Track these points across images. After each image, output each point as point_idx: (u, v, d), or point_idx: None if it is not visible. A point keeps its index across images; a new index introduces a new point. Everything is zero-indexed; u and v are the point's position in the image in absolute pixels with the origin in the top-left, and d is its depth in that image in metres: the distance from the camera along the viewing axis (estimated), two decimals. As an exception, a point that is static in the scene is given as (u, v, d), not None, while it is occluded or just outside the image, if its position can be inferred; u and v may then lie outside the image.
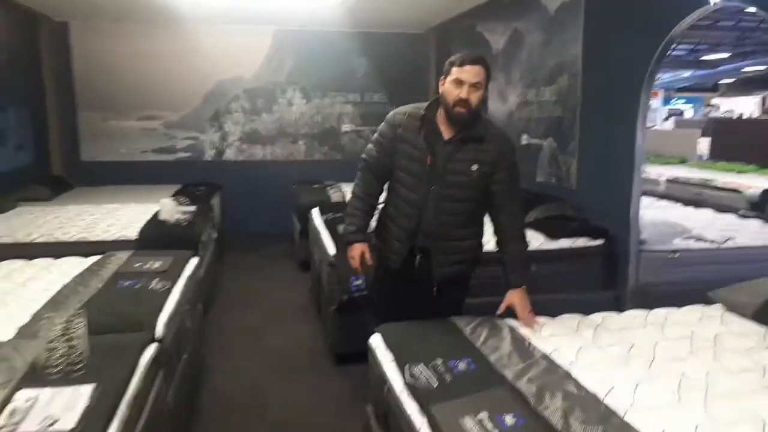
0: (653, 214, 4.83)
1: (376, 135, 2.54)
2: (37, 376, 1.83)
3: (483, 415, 1.57)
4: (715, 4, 3.16)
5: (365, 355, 2.37)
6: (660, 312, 2.52)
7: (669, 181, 7.56)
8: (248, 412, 3.12)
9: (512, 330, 2.23)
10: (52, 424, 1.54)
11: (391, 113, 2.51)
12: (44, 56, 6.70)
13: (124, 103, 7.13)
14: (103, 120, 7.11)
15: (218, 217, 6.31)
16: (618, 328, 2.33)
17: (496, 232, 2.48)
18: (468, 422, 1.55)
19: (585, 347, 2.11)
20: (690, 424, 1.57)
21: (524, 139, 5.29)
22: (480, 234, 2.54)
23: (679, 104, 24.30)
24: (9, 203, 5.09)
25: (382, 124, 2.52)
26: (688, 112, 23.40)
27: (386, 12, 6.43)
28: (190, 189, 6.26)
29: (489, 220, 2.53)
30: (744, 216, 4.99)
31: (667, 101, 24.36)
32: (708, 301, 2.64)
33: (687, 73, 19.05)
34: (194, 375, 3.20)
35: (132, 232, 4.23)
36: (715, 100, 22.01)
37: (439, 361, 1.92)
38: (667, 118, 20.80)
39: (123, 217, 4.75)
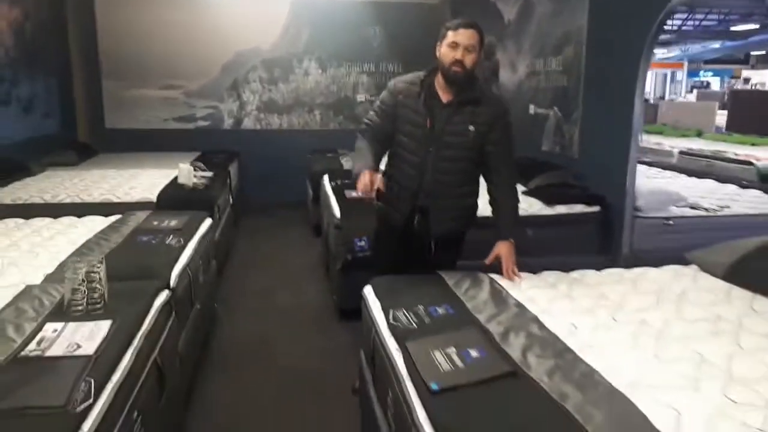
0: (656, 183, 4.93)
1: (377, 102, 2.67)
2: (62, 312, 2.07)
3: (451, 350, 1.76)
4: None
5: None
6: (637, 270, 2.67)
7: (682, 153, 7.57)
8: (257, 359, 3.37)
9: (492, 282, 2.41)
10: (75, 350, 1.78)
11: (392, 81, 2.65)
12: (70, 26, 6.94)
13: (146, 72, 7.34)
14: (126, 88, 7.34)
15: (235, 184, 6.54)
16: (594, 283, 2.50)
17: (490, 189, 2.64)
18: (437, 355, 1.74)
19: (558, 297, 2.30)
20: (637, 361, 1.75)
21: (531, 109, 5.39)
22: (476, 193, 2.68)
23: (707, 76, 23.82)
24: (38, 167, 5.37)
25: (384, 91, 2.66)
26: (716, 84, 22.92)
27: (401, -19, 6.50)
28: (209, 156, 6.47)
29: (484, 179, 2.67)
30: (746, 186, 5.06)
31: (695, 73, 23.90)
32: (686, 263, 2.79)
33: (716, 44, 18.65)
34: (206, 325, 3.45)
35: (151, 195, 4.48)
36: (746, 73, 21.48)
37: (420, 307, 2.12)
38: (691, 90, 20.44)
39: (144, 181, 5.00)
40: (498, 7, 6.13)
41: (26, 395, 1.51)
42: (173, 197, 4.45)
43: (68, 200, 4.31)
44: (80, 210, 3.96)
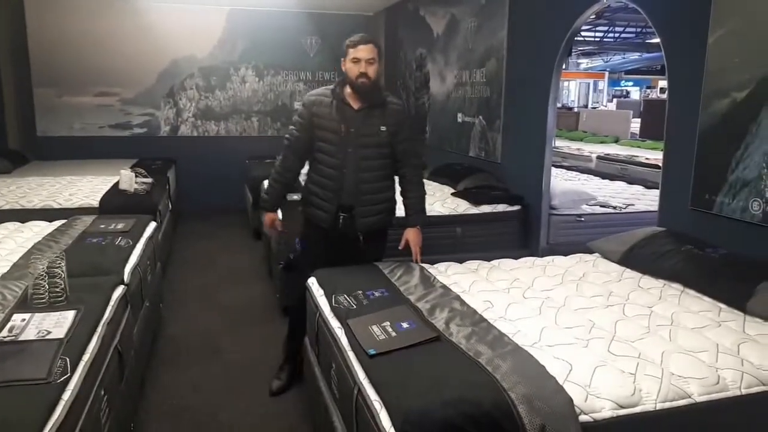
0: (570, 185, 5.41)
1: (295, 117, 2.98)
2: (26, 305, 2.22)
3: (386, 324, 2.05)
4: (607, 1, 3.69)
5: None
6: (547, 258, 3.06)
7: (599, 158, 8.17)
8: (201, 354, 3.55)
9: (422, 269, 2.72)
10: (46, 335, 1.95)
11: (305, 97, 2.96)
12: (-1, 33, 6.84)
13: (79, 79, 7.30)
14: (58, 96, 7.28)
15: (174, 190, 6.63)
16: (509, 269, 2.86)
17: (401, 182, 2.98)
18: (375, 328, 2.03)
19: (478, 281, 2.63)
20: (540, 327, 2.10)
21: (459, 117, 5.79)
22: (392, 187, 3.00)
23: (628, 86, 25.31)
24: (-30, 175, 5.32)
25: (299, 107, 2.99)
26: (635, 93, 24.38)
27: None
28: (146, 163, 6.52)
29: (397, 174, 2.99)
30: (650, 187, 5.63)
31: (616, 83, 25.36)
32: (590, 251, 3.20)
33: (635, 56, 19.89)
34: (154, 323, 3.61)
35: (93, 201, 4.57)
36: (663, 83, 22.92)
37: (359, 291, 2.40)
38: (611, 99, 21.69)
39: (83, 187, 5.06)
40: (427, 21, 6.52)
41: (10, 370, 1.69)
42: (115, 203, 4.55)
43: (8, 207, 4.36)
44: (22, 216, 4.04)
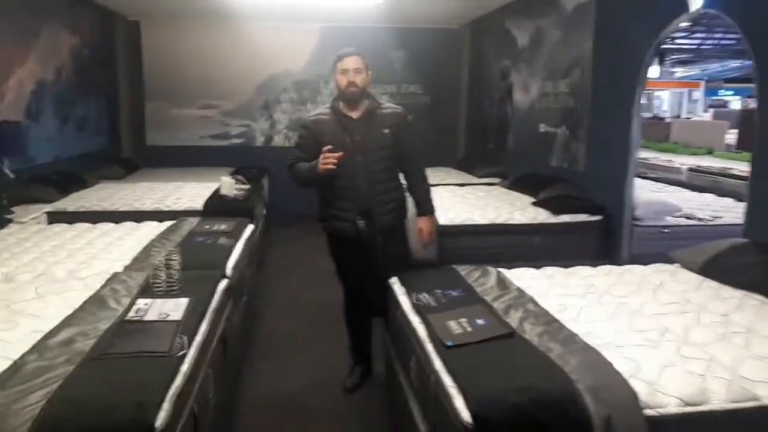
0: (655, 195, 5.33)
1: (296, 140, 3.16)
2: (147, 292, 2.56)
3: (463, 320, 2.21)
4: (695, 11, 3.67)
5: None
6: (627, 267, 3.10)
7: (690, 170, 7.91)
8: (291, 348, 3.83)
9: (498, 273, 2.85)
10: (166, 317, 2.26)
11: (305, 120, 3.17)
12: (119, 52, 7.59)
13: (186, 93, 7.95)
14: (167, 108, 7.96)
15: (267, 196, 7.06)
16: (586, 275, 2.93)
17: (407, 178, 3.16)
18: (452, 323, 2.19)
19: (553, 286, 2.73)
20: (612, 330, 2.18)
21: (542, 128, 5.84)
22: (401, 185, 3.16)
23: (727, 95, 23.96)
24: (93, 179, 5.95)
25: (300, 130, 3.17)
26: (736, 103, 23.03)
27: (423, 8, 6.97)
28: (242, 171, 6.97)
29: (401, 171, 3.15)
30: (742, 200, 5.42)
31: (714, 92, 24.06)
32: (672, 262, 3.20)
33: (736, 63, 18.83)
34: (250, 316, 3.93)
35: (197, 204, 5.00)
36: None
37: (438, 291, 2.56)
38: (706, 110, 20.63)
39: (188, 192, 5.53)
40: (512, 33, 6.61)
41: (139, 343, 1.99)
42: (217, 206, 4.95)
43: (124, 208, 4.86)
44: (136, 217, 4.50)
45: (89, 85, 6.63)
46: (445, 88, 8.39)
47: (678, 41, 13.67)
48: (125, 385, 1.72)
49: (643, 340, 2.10)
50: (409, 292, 2.64)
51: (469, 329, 2.14)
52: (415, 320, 2.39)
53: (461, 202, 4.89)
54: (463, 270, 2.89)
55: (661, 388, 1.80)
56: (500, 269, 2.94)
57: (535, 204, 4.70)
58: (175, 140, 8.07)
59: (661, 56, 14.99)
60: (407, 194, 3.22)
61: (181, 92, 7.94)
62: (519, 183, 5.48)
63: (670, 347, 2.05)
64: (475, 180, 6.46)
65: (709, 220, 4.49)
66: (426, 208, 3.16)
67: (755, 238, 3.10)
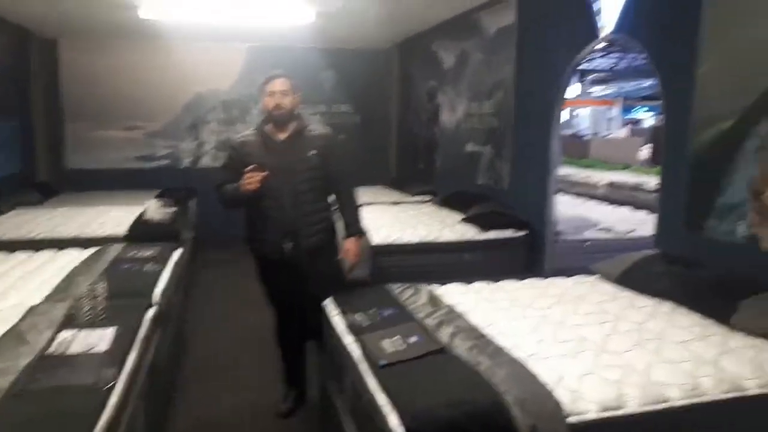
0: (576, 211, 5.60)
1: (224, 161, 3.21)
2: (72, 323, 2.46)
3: (396, 338, 2.26)
4: (605, 36, 3.93)
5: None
6: (551, 279, 3.25)
7: (608, 185, 8.34)
8: (222, 373, 3.76)
9: (430, 291, 2.92)
10: (91, 349, 2.18)
11: (232, 141, 3.25)
12: (33, 70, 7.26)
13: (109, 114, 7.69)
14: (89, 130, 7.67)
15: (195, 219, 6.92)
16: (512, 290, 3.05)
17: (337, 200, 3.17)
18: (385, 342, 2.23)
19: (481, 300, 2.83)
20: (536, 342, 2.29)
21: (469, 147, 6.03)
22: (330, 207, 3.17)
23: (641, 113, 25.40)
24: (6, 206, 5.64)
25: (226, 154, 3.24)
26: (650, 120, 24.43)
27: (352, 29, 7.07)
28: (169, 193, 6.80)
29: (331, 192, 3.15)
30: (654, 212, 5.78)
31: (629, 110, 25.47)
32: (592, 273, 3.38)
33: (649, 82, 20.03)
34: (180, 342, 3.84)
35: (122, 229, 4.84)
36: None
37: (372, 310, 2.61)
38: (622, 127, 21.79)
39: (112, 217, 5.34)
40: (439, 55, 6.81)
41: (63, 377, 1.92)
42: (143, 231, 4.81)
43: (43, 236, 4.64)
44: (57, 244, 4.30)
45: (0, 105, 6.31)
46: (376, 108, 8.52)
47: (595, 61, 14.44)
48: (50, 421, 1.66)
49: (565, 351, 2.21)
50: (343, 312, 2.67)
51: (402, 347, 2.19)
52: (349, 340, 2.41)
53: (393, 220, 4.97)
54: (396, 288, 2.94)
55: (582, 395, 1.90)
56: (432, 286, 3.01)
57: (463, 221, 4.84)
58: (97, 163, 7.79)
59: (581, 75, 15.76)
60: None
61: (104, 113, 7.68)
62: (448, 201, 5.63)
63: (589, 356, 2.17)
64: (408, 198, 6.58)
65: (626, 233, 4.76)
66: (353, 229, 3.18)
67: (664, 248, 3.33)
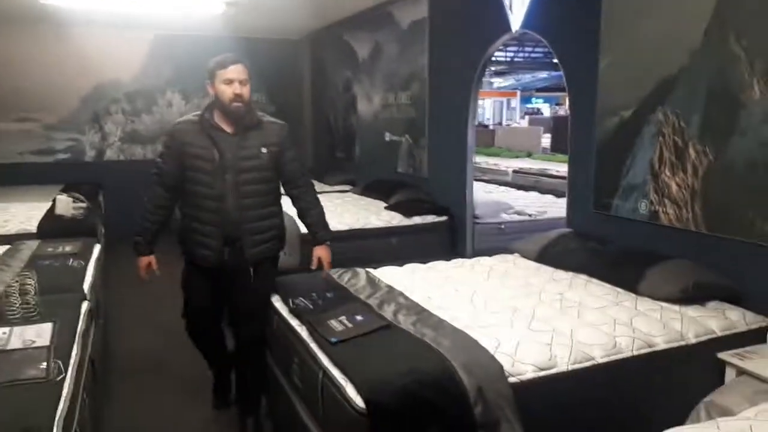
0: (491, 196, 5.92)
1: (161, 149, 2.77)
2: (2, 321, 2.36)
3: (342, 318, 2.36)
4: (515, 32, 4.19)
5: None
6: (476, 259, 3.48)
7: (515, 171, 8.81)
8: (147, 368, 3.70)
9: (367, 273, 3.05)
10: (32, 344, 2.12)
11: (172, 127, 2.77)
12: None
13: (-1, 105, 7.17)
14: (-26, 122, 7.11)
15: (102, 214, 6.62)
16: (442, 269, 3.24)
17: (296, 202, 2.83)
18: (333, 322, 2.33)
19: (417, 280, 3.00)
20: (472, 313, 2.48)
21: (387, 136, 6.19)
22: (280, 212, 2.82)
23: (538, 103, 26.78)
24: None
25: (164, 138, 2.80)
26: (547, 110, 25.77)
27: (263, 20, 7.00)
28: (73, 188, 6.44)
29: (287, 194, 2.83)
30: (560, 196, 6.22)
31: (527, 100, 26.77)
32: (511, 252, 3.63)
33: (544, 74, 21.14)
34: (107, 337, 3.73)
35: (30, 226, 4.59)
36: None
37: (313, 294, 2.69)
38: (523, 117, 22.89)
39: (17, 213, 5.05)
40: (352, 46, 6.91)
41: (12, 372, 1.86)
42: (54, 227, 4.59)
43: (-61, 236, 4.32)
44: (-41, 244, 4.03)
45: None
46: (290, 98, 8.48)
47: (495, 54, 15.05)
48: (8, 414, 1.63)
49: (499, 320, 2.41)
50: (284, 298, 2.73)
51: (350, 325, 2.30)
52: (294, 324, 2.49)
53: (317, 209, 5.03)
54: (334, 273, 3.03)
55: (519, 358, 2.10)
56: (368, 269, 3.13)
57: (387, 208, 5.00)
58: (-12, 157, 7.25)
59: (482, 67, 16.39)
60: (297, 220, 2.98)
61: (-7, 103, 7.14)
62: (370, 189, 5.76)
63: (522, 324, 2.38)
64: (327, 188, 6.65)
65: (537, 215, 5.11)
66: (322, 234, 2.83)
67: (576, 227, 3.63)
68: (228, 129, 2.65)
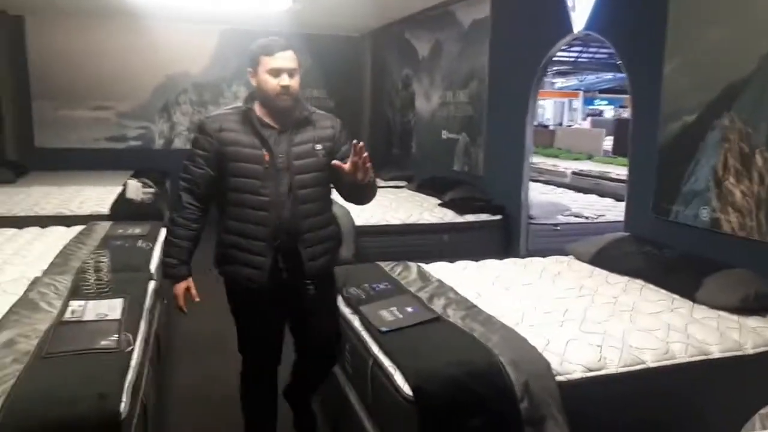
0: (547, 197, 5.86)
1: (194, 150, 2.19)
2: (78, 294, 2.54)
3: (393, 308, 2.42)
4: (578, 33, 4.14)
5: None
6: (529, 259, 3.47)
7: (574, 173, 8.66)
8: (211, 349, 3.85)
9: (419, 267, 3.10)
10: (104, 317, 2.28)
11: (204, 123, 2.19)
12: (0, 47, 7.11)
13: (76, 93, 7.58)
14: (57, 108, 7.55)
15: (169, 200, 6.93)
16: (493, 268, 3.26)
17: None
18: (384, 312, 2.39)
19: (468, 276, 3.03)
20: (522, 311, 2.49)
21: (444, 134, 6.21)
22: (335, 218, 2.51)
23: (602, 105, 26.12)
24: (-22, 184, 5.58)
25: (195, 136, 2.20)
26: (610, 112, 25.09)
27: (327, 16, 7.15)
28: (142, 174, 6.77)
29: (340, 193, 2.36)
30: (620, 200, 6.09)
31: (590, 101, 26.16)
32: (566, 254, 3.61)
33: (609, 76, 20.61)
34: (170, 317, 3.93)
35: (103, 208, 4.87)
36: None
37: (366, 285, 2.76)
38: (585, 118, 22.36)
39: (91, 196, 5.35)
40: (413, 44, 6.96)
41: (86, 341, 2.02)
42: (125, 210, 4.85)
43: (23, 213, 4.64)
44: (40, 222, 4.33)
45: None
46: (349, 94, 8.62)
47: (558, 54, 14.78)
48: (83, 379, 1.77)
49: (550, 320, 2.42)
50: (339, 288, 2.81)
51: (400, 316, 2.36)
52: (347, 312, 2.57)
53: (373, 204, 5.05)
54: (386, 266, 3.10)
55: (568, 358, 2.11)
56: (419, 264, 3.19)
57: (441, 205, 5.04)
58: (66, 142, 7.69)
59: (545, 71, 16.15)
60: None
61: (71, 92, 7.57)
62: (425, 186, 5.81)
63: (572, 324, 2.38)
64: (382, 183, 6.73)
65: (594, 218, 5.03)
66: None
67: (634, 231, 3.57)
68: (276, 125, 2.18)
